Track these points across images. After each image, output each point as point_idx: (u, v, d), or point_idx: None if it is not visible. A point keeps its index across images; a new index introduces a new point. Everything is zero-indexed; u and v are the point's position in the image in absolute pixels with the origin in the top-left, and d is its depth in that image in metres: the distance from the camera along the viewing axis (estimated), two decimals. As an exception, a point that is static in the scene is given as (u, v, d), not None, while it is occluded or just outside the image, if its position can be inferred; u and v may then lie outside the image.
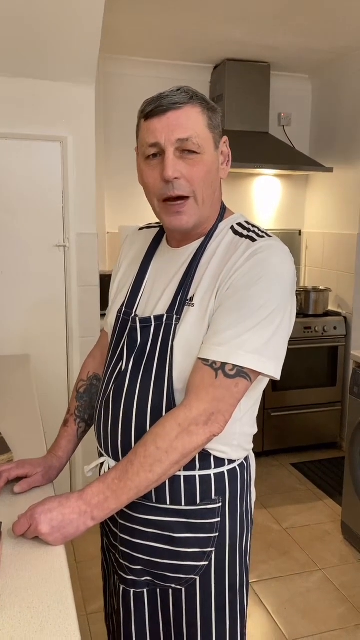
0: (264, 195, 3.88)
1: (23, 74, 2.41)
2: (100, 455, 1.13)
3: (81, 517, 0.93)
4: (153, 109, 0.99)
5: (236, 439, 1.06)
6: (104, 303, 2.75)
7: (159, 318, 1.04)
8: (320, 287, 3.63)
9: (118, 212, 3.52)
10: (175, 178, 0.99)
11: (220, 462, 1.06)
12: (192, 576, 1.06)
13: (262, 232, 1.04)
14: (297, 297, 1.09)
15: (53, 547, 0.93)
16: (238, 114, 3.47)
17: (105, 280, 2.73)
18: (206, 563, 1.06)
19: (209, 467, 1.05)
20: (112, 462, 1.08)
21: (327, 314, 3.56)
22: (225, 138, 1.07)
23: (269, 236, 1.03)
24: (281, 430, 3.47)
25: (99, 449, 1.13)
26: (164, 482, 1.02)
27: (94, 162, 2.62)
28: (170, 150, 0.98)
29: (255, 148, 3.44)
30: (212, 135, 1.02)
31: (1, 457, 1.26)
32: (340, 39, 3.12)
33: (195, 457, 1.02)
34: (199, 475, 1.04)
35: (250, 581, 2.16)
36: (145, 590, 1.10)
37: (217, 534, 1.06)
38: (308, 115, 3.90)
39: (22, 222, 2.54)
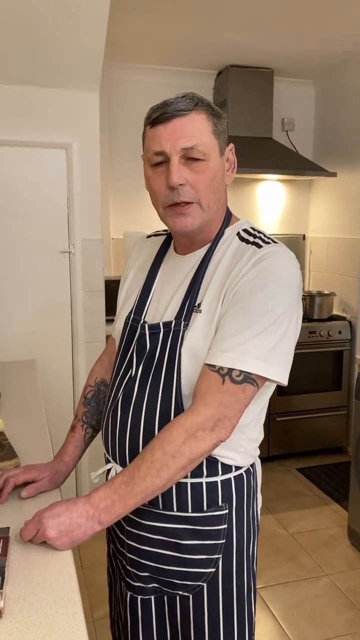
0: (268, 200, 3.89)
1: (28, 81, 2.43)
2: (107, 461, 1.13)
3: (89, 522, 0.93)
4: (158, 115, 0.99)
5: (243, 446, 1.07)
6: (109, 309, 2.76)
7: (167, 324, 1.05)
8: (325, 292, 3.63)
9: (123, 218, 3.53)
10: (181, 185, 0.99)
11: (227, 468, 1.06)
12: (200, 583, 1.06)
13: (268, 238, 1.04)
14: (302, 301, 1.09)
15: (60, 552, 0.93)
16: (241, 119, 3.48)
17: (110, 286, 2.76)
18: (213, 570, 1.06)
19: (216, 474, 1.05)
20: (119, 468, 1.08)
21: (332, 318, 3.56)
22: (231, 145, 1.08)
23: (275, 242, 1.03)
24: (286, 435, 3.46)
25: (106, 455, 1.13)
26: (171, 489, 1.02)
27: (99, 169, 2.63)
28: (176, 158, 0.99)
29: (259, 153, 3.45)
30: (217, 141, 1.02)
31: (8, 463, 1.26)
32: (343, 44, 3.13)
33: (202, 463, 1.02)
34: (206, 482, 1.04)
35: (257, 587, 2.15)
36: (152, 597, 1.10)
37: (224, 541, 1.06)
38: (311, 120, 3.91)
39: (28, 228, 2.55)
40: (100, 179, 2.65)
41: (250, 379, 0.96)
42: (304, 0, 2.54)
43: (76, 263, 2.64)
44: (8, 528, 0.98)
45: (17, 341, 2.61)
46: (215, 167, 1.02)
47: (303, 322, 1.10)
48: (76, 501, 0.95)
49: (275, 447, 3.44)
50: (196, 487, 1.04)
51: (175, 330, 1.03)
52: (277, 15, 2.71)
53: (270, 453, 3.42)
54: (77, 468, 2.68)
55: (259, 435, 1.11)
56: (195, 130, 0.98)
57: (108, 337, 1.34)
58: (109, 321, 1.28)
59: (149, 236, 1.28)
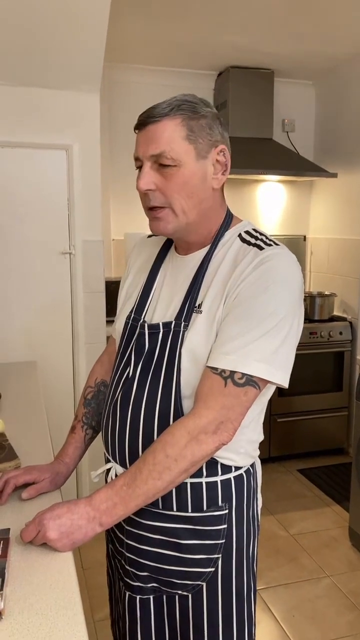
0: (269, 201, 3.89)
1: (28, 82, 2.44)
2: (107, 461, 1.13)
3: (90, 523, 0.93)
4: (138, 122, 1.02)
5: (243, 447, 1.07)
6: (110, 309, 2.76)
7: (167, 325, 1.05)
8: (326, 292, 3.63)
9: (123, 219, 3.54)
10: (150, 190, 1.01)
11: (227, 469, 1.06)
12: (199, 582, 1.06)
13: (270, 240, 1.04)
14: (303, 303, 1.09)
15: (61, 553, 0.93)
16: (242, 120, 3.48)
17: (110, 287, 2.76)
18: (213, 569, 1.06)
19: (216, 474, 1.05)
20: (119, 468, 1.08)
21: (333, 319, 3.56)
22: (220, 147, 1.04)
23: (277, 244, 1.03)
24: (287, 436, 3.46)
25: (106, 454, 1.14)
26: (171, 489, 1.02)
27: (99, 170, 2.64)
28: (147, 165, 1.01)
29: (260, 154, 3.45)
30: (192, 146, 1.00)
31: (9, 464, 1.26)
32: (343, 45, 3.13)
33: (202, 464, 1.02)
34: (206, 482, 1.04)
35: (257, 588, 2.15)
36: (151, 596, 1.10)
37: (223, 541, 1.06)
38: (312, 121, 3.91)
39: (28, 229, 2.55)
40: (100, 180, 2.65)
41: (252, 382, 0.96)
42: (304, 2, 2.54)
43: (77, 264, 2.64)
44: (8, 529, 0.98)
45: (18, 342, 2.61)
46: (189, 172, 1.01)
47: (304, 322, 1.10)
48: (77, 502, 0.95)
49: (276, 448, 3.44)
50: (196, 487, 1.04)
51: (175, 330, 1.03)
52: (277, 17, 2.71)
53: (271, 454, 3.42)
54: (77, 469, 2.68)
55: (259, 436, 1.11)
56: (163, 138, 0.99)
57: (109, 337, 1.34)
58: (110, 322, 1.28)
59: (149, 236, 1.28)
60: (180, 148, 1.00)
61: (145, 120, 1.00)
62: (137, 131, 1.03)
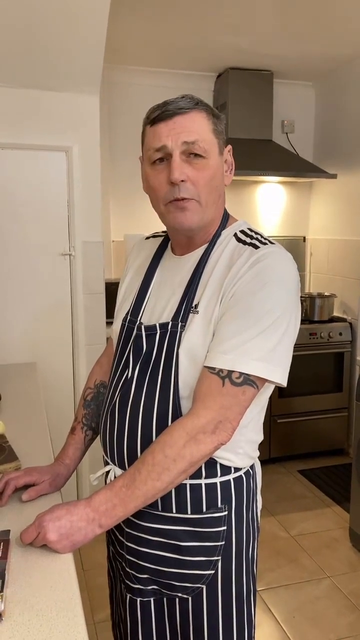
0: (269, 202, 3.89)
1: (28, 84, 2.44)
2: (106, 463, 1.13)
3: (89, 525, 0.93)
4: (159, 114, 1.00)
5: (242, 447, 1.07)
6: (110, 311, 2.76)
7: (164, 326, 1.05)
8: (325, 293, 3.63)
9: (123, 221, 3.54)
10: (182, 181, 1.00)
11: (226, 470, 1.06)
12: (199, 585, 1.06)
13: (265, 239, 1.04)
14: (302, 303, 1.09)
15: (61, 555, 0.93)
16: (241, 121, 3.49)
17: (110, 288, 2.76)
18: (213, 572, 1.06)
19: (215, 475, 1.05)
20: (118, 470, 1.08)
21: (333, 319, 3.56)
22: (229, 147, 1.09)
23: (272, 243, 1.03)
24: (287, 437, 3.46)
25: (105, 457, 1.13)
26: (170, 491, 1.02)
27: (99, 171, 2.64)
28: (177, 154, 0.99)
29: (259, 155, 3.45)
30: (217, 140, 1.04)
31: (9, 465, 1.26)
32: (342, 46, 3.14)
33: (201, 465, 1.02)
34: (205, 484, 1.04)
35: (258, 589, 2.15)
36: (152, 599, 1.10)
37: (223, 542, 1.06)
38: (311, 122, 3.91)
39: (28, 230, 2.56)
40: (100, 181, 2.65)
41: (250, 381, 0.96)
42: (304, 3, 2.55)
43: (77, 265, 2.64)
44: (9, 531, 0.98)
45: (18, 344, 2.61)
46: (215, 166, 1.03)
47: (304, 323, 1.10)
48: (77, 504, 0.95)
49: (276, 449, 3.44)
50: (195, 489, 1.04)
51: (172, 331, 1.03)
52: (276, 18, 2.72)
53: (271, 455, 3.42)
54: (77, 470, 2.68)
55: (258, 436, 1.11)
56: (196, 127, 1.00)
57: (108, 339, 1.34)
58: (110, 323, 1.28)
59: (147, 237, 1.28)
60: (210, 140, 1.02)
61: (172, 111, 0.99)
62: (156, 123, 1.01)
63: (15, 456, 1.31)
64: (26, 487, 1.14)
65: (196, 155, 1.00)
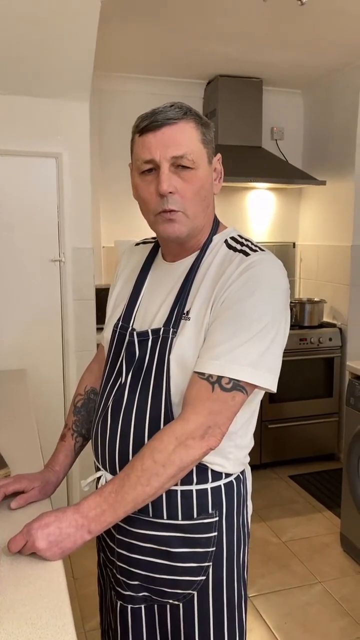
0: (258, 208, 3.91)
1: (18, 91, 2.44)
2: (97, 469, 1.13)
3: (78, 531, 0.92)
4: (147, 124, 1.00)
5: (232, 452, 1.07)
6: (100, 317, 2.76)
7: (156, 332, 1.05)
8: (315, 299, 3.65)
9: (113, 227, 3.54)
10: (170, 192, 1.00)
11: (217, 475, 1.06)
12: (190, 591, 1.06)
13: (255, 246, 1.05)
14: (292, 309, 1.10)
15: (50, 562, 0.92)
16: (231, 128, 3.51)
17: (101, 294, 2.76)
18: (203, 578, 1.06)
19: (206, 481, 1.05)
20: (109, 476, 1.08)
21: (322, 325, 3.58)
22: (218, 155, 1.09)
23: (262, 250, 1.04)
24: (278, 443, 3.46)
25: (96, 462, 1.13)
26: (161, 497, 1.02)
27: (89, 178, 2.64)
28: (165, 166, 0.99)
29: (249, 162, 3.48)
30: (205, 150, 1.04)
31: (-2, 473, 1.25)
32: (331, 54, 3.17)
33: (192, 471, 1.02)
34: (196, 490, 1.04)
35: (249, 595, 2.14)
36: (142, 606, 1.09)
37: (214, 548, 1.06)
38: (300, 129, 3.94)
39: (18, 237, 2.55)
40: (90, 187, 2.66)
41: (240, 387, 0.96)
42: (293, 12, 2.57)
43: (67, 272, 2.64)
44: (-3, 539, 0.97)
45: (8, 350, 2.60)
46: (203, 176, 1.03)
47: (294, 329, 1.11)
48: (65, 510, 0.94)
49: (267, 455, 3.44)
50: (186, 495, 1.04)
51: (163, 337, 1.04)
52: (266, 26, 2.74)
53: (262, 460, 3.42)
54: (68, 477, 2.66)
55: (249, 442, 1.12)
56: (184, 139, 1.00)
57: (99, 345, 1.34)
58: (100, 329, 1.27)
59: (137, 244, 1.28)
60: (199, 150, 1.01)
61: (161, 122, 0.99)
62: (145, 134, 1.00)
63: (5, 463, 1.31)
64: (15, 494, 1.13)
65: (184, 167, 1.00)
